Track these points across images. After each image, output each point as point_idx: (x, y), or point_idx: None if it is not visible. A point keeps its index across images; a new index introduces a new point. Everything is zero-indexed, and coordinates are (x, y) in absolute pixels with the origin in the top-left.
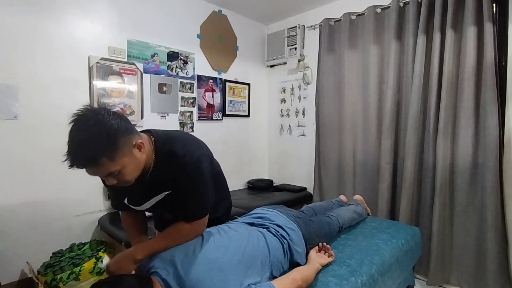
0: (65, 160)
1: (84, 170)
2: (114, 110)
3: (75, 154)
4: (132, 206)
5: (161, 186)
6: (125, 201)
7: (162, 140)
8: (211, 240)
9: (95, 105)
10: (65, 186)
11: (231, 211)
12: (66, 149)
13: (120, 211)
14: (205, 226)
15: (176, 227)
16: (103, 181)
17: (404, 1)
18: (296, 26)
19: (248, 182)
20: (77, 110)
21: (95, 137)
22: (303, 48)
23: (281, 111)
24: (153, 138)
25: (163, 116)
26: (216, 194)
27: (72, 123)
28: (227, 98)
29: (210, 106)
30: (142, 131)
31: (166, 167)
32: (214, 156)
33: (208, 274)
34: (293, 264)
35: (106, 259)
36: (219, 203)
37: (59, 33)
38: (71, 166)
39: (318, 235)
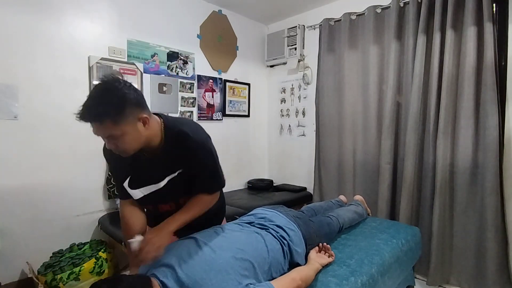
0: (77, 113)
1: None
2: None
3: (85, 108)
4: (134, 191)
5: (172, 165)
6: (126, 183)
7: (171, 122)
8: (209, 241)
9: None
10: (65, 186)
11: (229, 211)
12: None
13: (119, 204)
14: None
15: (199, 198)
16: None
17: (404, 1)
18: (296, 26)
19: (248, 182)
20: (103, 76)
21: (106, 99)
22: (303, 48)
23: (281, 111)
24: (162, 119)
25: None
26: None
27: (96, 84)
28: (227, 98)
29: (210, 106)
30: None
31: (177, 146)
32: None
33: (206, 275)
34: (293, 265)
35: (139, 237)
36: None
37: (59, 33)
38: (80, 119)
39: (318, 235)
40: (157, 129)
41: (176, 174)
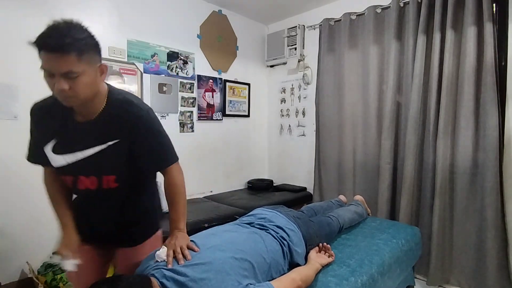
0: (35, 39)
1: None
2: None
3: (51, 35)
4: (57, 156)
5: (108, 133)
6: (49, 148)
7: (116, 89)
8: (208, 241)
9: None
10: None
11: (229, 211)
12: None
13: (44, 172)
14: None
15: (168, 183)
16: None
17: (404, 1)
18: (296, 26)
19: (248, 182)
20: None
21: (76, 32)
22: (303, 48)
23: (281, 111)
24: (107, 85)
25: (163, 116)
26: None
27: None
28: (227, 98)
29: (210, 106)
30: None
31: (120, 113)
32: (214, 156)
33: (206, 275)
34: (293, 265)
35: (163, 249)
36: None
37: None
38: (40, 45)
39: (318, 235)
40: (103, 90)
41: (110, 144)
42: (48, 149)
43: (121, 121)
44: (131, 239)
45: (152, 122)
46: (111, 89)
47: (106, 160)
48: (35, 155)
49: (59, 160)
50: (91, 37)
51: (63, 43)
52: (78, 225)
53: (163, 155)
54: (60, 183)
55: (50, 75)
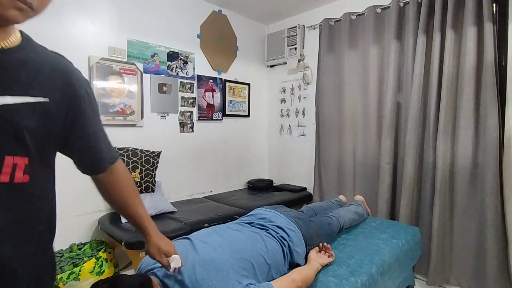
0: None
1: None
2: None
3: None
4: None
5: (30, 83)
6: None
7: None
8: (209, 240)
9: None
10: (65, 186)
11: (229, 211)
12: None
13: None
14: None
15: (118, 179)
16: None
17: (404, 1)
18: (296, 26)
19: (248, 182)
20: None
21: None
22: (303, 48)
23: (281, 111)
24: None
25: (163, 116)
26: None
27: None
28: (227, 98)
29: (210, 106)
30: None
31: (50, 62)
32: (214, 156)
33: (206, 275)
34: (293, 265)
35: (175, 258)
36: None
37: (59, 33)
38: None
39: (318, 235)
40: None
41: (31, 100)
42: None
43: (51, 73)
44: None
45: (94, 98)
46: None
47: (21, 125)
48: None
49: None
50: None
51: None
52: None
53: (109, 145)
54: None
55: None
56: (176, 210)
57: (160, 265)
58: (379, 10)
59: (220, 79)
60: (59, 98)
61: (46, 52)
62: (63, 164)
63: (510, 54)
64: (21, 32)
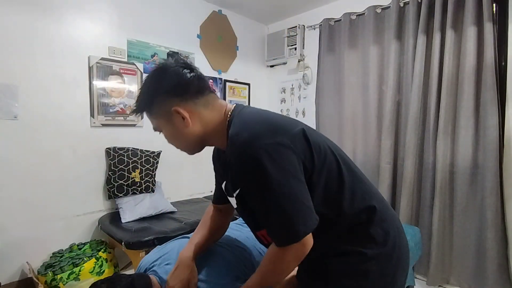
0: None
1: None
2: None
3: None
4: (231, 198)
5: (233, 180)
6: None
7: (235, 119)
8: None
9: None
10: (65, 186)
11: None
12: None
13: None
14: (301, 257)
15: (269, 252)
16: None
17: (404, 1)
18: (296, 26)
19: None
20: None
21: (144, 88)
22: (303, 48)
23: (281, 111)
24: (231, 114)
25: None
26: (327, 208)
27: None
28: (227, 98)
29: None
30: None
31: (229, 154)
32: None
33: (207, 274)
34: None
35: None
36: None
37: (59, 33)
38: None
39: None
40: (218, 128)
41: (237, 193)
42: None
43: (230, 165)
44: None
45: (253, 174)
46: (233, 121)
47: (244, 209)
48: (214, 195)
49: (233, 202)
50: (162, 81)
51: (136, 108)
52: None
53: (270, 227)
54: (214, 216)
55: None
56: (176, 210)
57: (159, 263)
58: (379, 10)
59: (220, 79)
60: (238, 185)
61: (229, 142)
62: (63, 165)
63: (510, 54)
64: (227, 129)
